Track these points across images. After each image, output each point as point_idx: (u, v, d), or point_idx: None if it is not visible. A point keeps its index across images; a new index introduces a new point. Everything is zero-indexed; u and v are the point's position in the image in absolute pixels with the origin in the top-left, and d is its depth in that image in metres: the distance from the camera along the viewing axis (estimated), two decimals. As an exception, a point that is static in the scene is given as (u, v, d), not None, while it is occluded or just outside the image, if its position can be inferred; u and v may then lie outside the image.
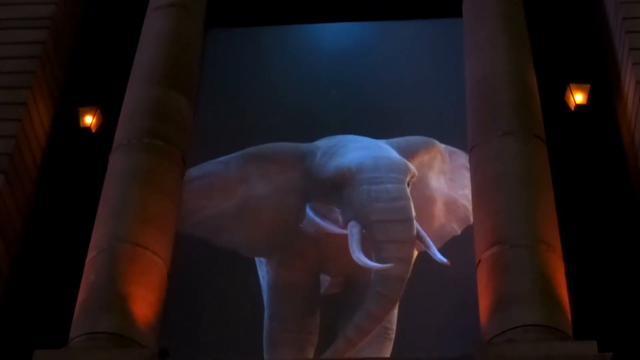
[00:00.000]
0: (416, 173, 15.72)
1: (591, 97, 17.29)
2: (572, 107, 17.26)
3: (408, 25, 18.72)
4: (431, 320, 15.16)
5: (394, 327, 15.43)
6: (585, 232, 15.83)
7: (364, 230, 15.37)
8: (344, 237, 15.68)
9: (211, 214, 16.05)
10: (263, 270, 16.14)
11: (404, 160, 15.87)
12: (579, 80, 17.46)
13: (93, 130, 17.62)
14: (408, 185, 15.59)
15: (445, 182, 16.43)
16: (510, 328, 13.21)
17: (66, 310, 14.20)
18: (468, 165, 15.69)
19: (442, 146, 16.60)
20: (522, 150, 14.86)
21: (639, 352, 14.17)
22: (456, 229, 16.16)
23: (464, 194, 16.19)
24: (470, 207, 15.60)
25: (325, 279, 16.02)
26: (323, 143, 16.46)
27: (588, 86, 17.36)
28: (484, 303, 13.74)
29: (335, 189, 15.72)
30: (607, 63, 17.71)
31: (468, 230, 15.59)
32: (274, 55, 18.56)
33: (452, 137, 16.50)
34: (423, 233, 15.40)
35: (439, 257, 15.15)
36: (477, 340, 13.55)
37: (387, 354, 15.15)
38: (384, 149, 16.07)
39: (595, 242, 15.79)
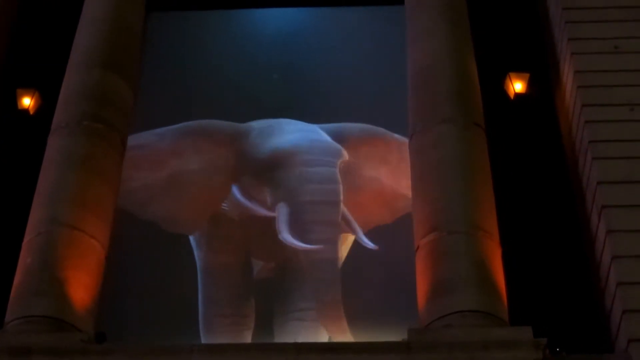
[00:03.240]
0: (347, 158, 15.86)
1: (530, 86, 17.46)
2: (512, 95, 17.42)
3: (350, 11, 18.76)
4: (368, 305, 15.22)
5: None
6: (522, 219, 15.99)
7: (292, 212, 15.48)
8: (270, 221, 15.86)
9: (136, 186, 16.08)
10: (197, 254, 16.18)
11: (338, 144, 16.20)
12: (518, 69, 17.62)
13: (31, 113, 17.47)
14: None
15: (386, 172, 16.49)
16: (448, 314, 13.33)
17: (2, 294, 14.07)
18: None
19: (395, 136, 16.67)
20: (461, 137, 14.92)
21: (574, 338, 14.35)
22: (386, 217, 16.24)
23: (408, 184, 16.23)
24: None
25: (257, 263, 16.12)
26: (258, 124, 16.71)
27: (527, 75, 17.54)
28: (422, 289, 13.83)
29: (268, 169, 15.90)
30: (547, 52, 17.86)
31: (403, 219, 15.73)
32: (216, 39, 18.53)
33: (391, 124, 16.57)
34: (350, 217, 15.70)
35: (365, 241, 15.46)
36: (415, 325, 13.65)
37: (325, 339, 15.19)
38: (319, 133, 16.40)
39: (531, 229, 15.97)
